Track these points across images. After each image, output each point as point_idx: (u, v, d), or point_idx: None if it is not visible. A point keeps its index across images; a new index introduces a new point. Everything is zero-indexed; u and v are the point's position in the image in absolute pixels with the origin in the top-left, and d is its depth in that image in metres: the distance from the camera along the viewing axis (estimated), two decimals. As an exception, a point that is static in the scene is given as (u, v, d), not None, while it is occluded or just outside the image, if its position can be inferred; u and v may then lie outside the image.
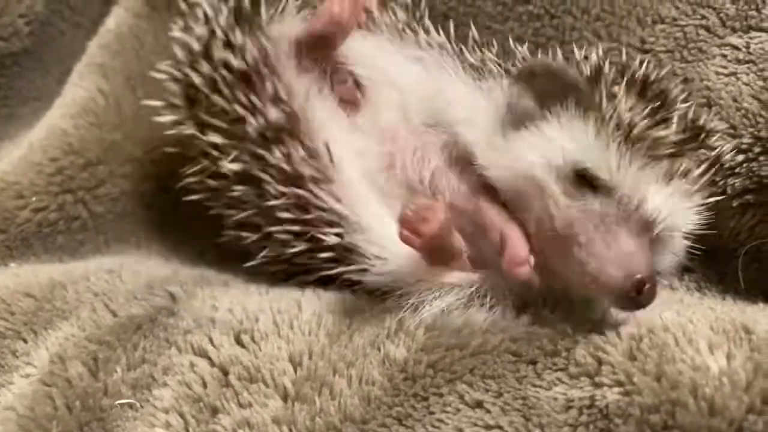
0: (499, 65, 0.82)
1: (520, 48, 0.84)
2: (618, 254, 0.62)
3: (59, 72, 1.19)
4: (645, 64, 0.75)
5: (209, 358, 0.65)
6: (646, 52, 0.89)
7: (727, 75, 0.83)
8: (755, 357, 0.56)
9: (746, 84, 0.81)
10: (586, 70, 0.72)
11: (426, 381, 0.59)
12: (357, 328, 0.66)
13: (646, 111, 0.67)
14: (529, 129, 0.72)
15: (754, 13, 0.84)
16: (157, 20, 1.12)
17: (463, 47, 0.85)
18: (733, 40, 0.85)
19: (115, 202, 0.96)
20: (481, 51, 0.85)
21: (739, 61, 0.83)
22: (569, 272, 0.64)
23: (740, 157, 0.78)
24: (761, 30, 0.83)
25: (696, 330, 0.60)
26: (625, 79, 0.70)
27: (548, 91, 0.71)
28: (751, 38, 0.83)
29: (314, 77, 0.81)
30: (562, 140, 0.69)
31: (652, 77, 0.72)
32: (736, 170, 0.78)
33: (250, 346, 0.65)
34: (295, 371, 0.62)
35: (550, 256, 0.67)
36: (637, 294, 0.59)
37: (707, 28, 0.87)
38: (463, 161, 0.77)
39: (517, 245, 0.67)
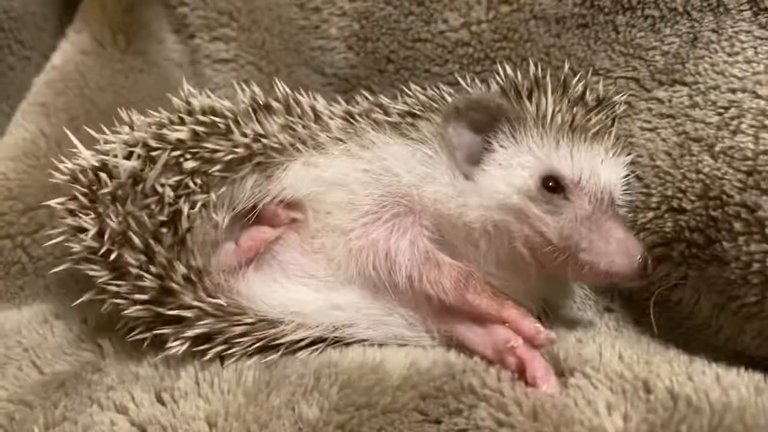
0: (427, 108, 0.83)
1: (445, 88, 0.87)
2: (618, 245, 0.70)
3: (8, 107, 1.19)
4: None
5: (129, 417, 0.66)
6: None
7: (650, 130, 0.87)
8: (650, 418, 0.59)
9: (663, 140, 0.84)
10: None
11: (333, 443, 0.60)
12: (275, 385, 0.67)
13: (576, 102, 0.77)
14: (484, 162, 0.76)
15: (679, 66, 0.87)
16: (103, 57, 1.14)
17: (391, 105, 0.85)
18: (660, 93, 0.88)
19: (55, 244, 0.97)
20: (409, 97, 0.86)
21: (661, 116, 0.87)
22: (580, 274, 0.72)
23: (650, 215, 0.80)
24: (684, 84, 0.86)
25: (596, 391, 0.62)
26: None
27: (480, 122, 0.76)
28: (674, 92, 0.87)
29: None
30: (518, 161, 0.74)
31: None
32: (647, 227, 0.81)
33: (170, 405, 0.66)
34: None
35: (556, 267, 0.73)
36: (644, 270, 0.68)
37: (637, 81, 0.91)
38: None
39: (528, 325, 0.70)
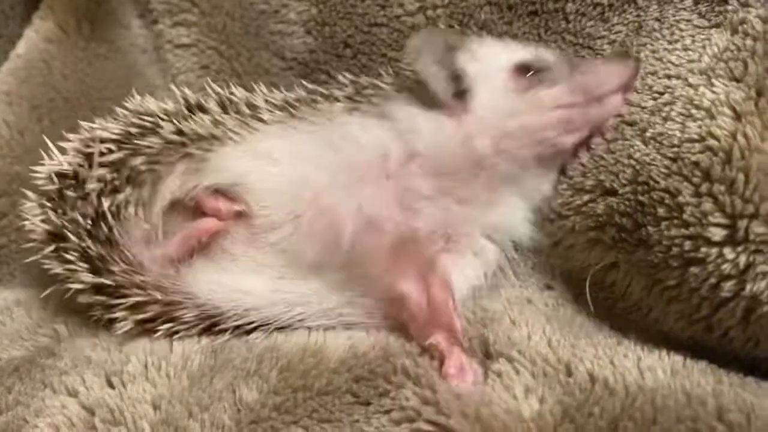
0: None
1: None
2: (611, 62, 0.84)
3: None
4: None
5: (79, 400, 0.69)
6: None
7: None
8: (565, 401, 0.62)
9: None
10: None
11: (268, 424, 0.64)
12: (219, 369, 0.71)
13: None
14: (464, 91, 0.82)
15: None
16: (68, 45, 1.15)
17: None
18: None
19: (19, 233, 0.99)
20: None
21: None
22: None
23: (585, 197, 0.83)
24: None
25: (517, 376, 0.65)
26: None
27: (443, 55, 0.83)
28: None
29: None
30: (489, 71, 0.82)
31: None
32: (582, 209, 0.83)
33: (118, 388, 0.69)
34: (155, 414, 0.67)
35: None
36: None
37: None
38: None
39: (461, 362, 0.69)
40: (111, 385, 0.70)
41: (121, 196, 0.77)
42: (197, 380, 0.70)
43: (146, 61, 1.20)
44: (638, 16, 0.90)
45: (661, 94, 0.82)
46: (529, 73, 0.83)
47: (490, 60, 0.84)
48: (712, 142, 0.71)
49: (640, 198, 0.76)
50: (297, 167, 0.80)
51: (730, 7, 0.81)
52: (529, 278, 0.89)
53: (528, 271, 0.90)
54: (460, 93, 0.83)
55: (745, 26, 0.78)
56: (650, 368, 0.66)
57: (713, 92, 0.75)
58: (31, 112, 1.06)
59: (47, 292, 0.79)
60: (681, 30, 0.85)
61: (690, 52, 0.82)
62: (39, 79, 1.10)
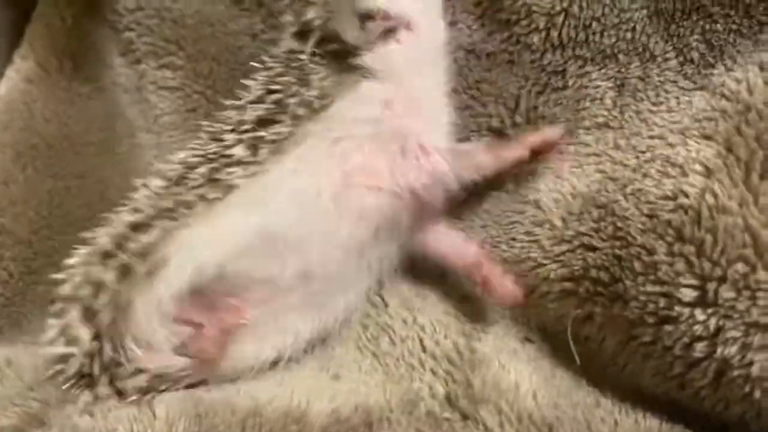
0: None
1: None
2: None
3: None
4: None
5: (67, 470, 0.70)
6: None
7: (576, 167, 0.91)
8: None
9: (586, 175, 0.89)
10: None
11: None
12: (204, 436, 0.72)
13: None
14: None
15: (605, 112, 0.92)
16: (49, 85, 1.13)
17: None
18: (586, 138, 0.92)
19: (5, 285, 1.00)
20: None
21: (587, 155, 0.91)
22: None
23: (564, 247, 0.84)
24: (609, 128, 0.91)
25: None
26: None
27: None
28: (601, 134, 0.91)
29: None
30: None
31: None
32: (559, 258, 0.85)
33: (106, 458, 0.71)
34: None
35: None
36: None
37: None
38: None
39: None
40: (98, 455, 0.71)
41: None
42: (181, 450, 0.71)
43: (128, 101, 1.19)
44: (619, 71, 0.90)
45: (643, 152, 0.83)
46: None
47: None
48: (683, 200, 0.73)
49: (618, 252, 0.77)
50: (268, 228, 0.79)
51: (716, 71, 0.82)
52: (509, 330, 0.90)
53: (507, 322, 0.91)
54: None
55: (722, 88, 0.79)
56: (626, 434, 0.68)
57: (687, 150, 0.77)
58: (16, 161, 1.05)
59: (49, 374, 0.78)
60: (666, 92, 0.86)
61: (674, 114, 0.84)
62: (20, 124, 1.09)
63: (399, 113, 0.83)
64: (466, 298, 0.94)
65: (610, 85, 0.91)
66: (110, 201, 1.06)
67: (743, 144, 0.72)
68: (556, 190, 0.90)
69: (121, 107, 1.18)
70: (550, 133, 0.90)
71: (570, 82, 0.93)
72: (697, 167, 0.74)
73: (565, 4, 0.90)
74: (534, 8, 0.91)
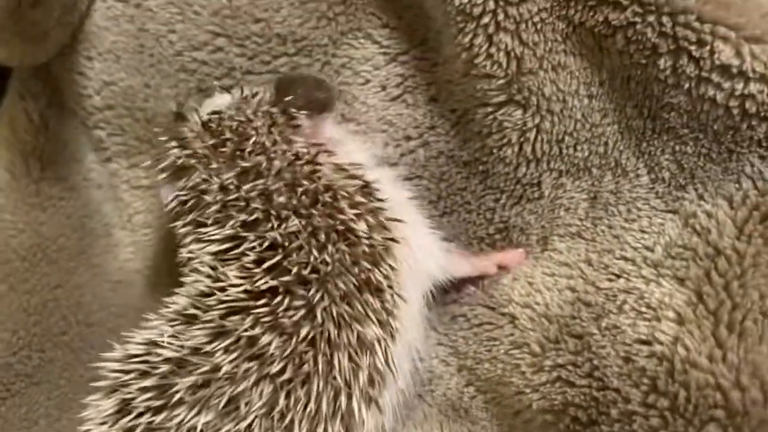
0: None
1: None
2: None
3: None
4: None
5: None
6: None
7: (549, 275, 0.91)
8: None
9: (559, 291, 0.89)
10: None
11: None
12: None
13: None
14: None
15: (577, 221, 0.93)
16: (17, 191, 1.11)
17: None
18: (559, 245, 0.93)
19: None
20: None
21: (560, 264, 0.91)
22: None
23: (543, 377, 0.84)
24: (582, 238, 0.91)
25: None
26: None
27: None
28: (573, 244, 0.92)
29: None
30: None
31: None
32: (539, 389, 0.85)
33: None
34: None
35: None
36: None
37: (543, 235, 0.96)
38: None
39: None
40: None
41: None
42: None
43: (101, 198, 1.17)
44: (593, 184, 0.90)
45: (618, 277, 0.83)
46: None
47: None
48: (657, 347, 0.74)
49: (595, 394, 0.78)
50: None
51: (687, 196, 0.82)
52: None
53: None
54: None
55: (693, 221, 0.80)
56: None
57: (661, 291, 0.77)
58: (-9, 284, 1.03)
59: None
60: (638, 209, 0.86)
61: (646, 236, 0.84)
62: (-12, 240, 1.06)
63: None
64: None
65: (583, 196, 0.91)
66: (87, 307, 1.09)
67: (713, 293, 0.73)
68: (529, 305, 0.90)
69: (94, 204, 1.17)
70: (516, 255, 0.93)
71: (546, 192, 0.93)
72: (670, 314, 0.74)
73: (537, 120, 0.90)
74: (505, 123, 0.91)
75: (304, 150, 0.82)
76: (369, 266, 0.77)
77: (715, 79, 0.77)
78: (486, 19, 0.85)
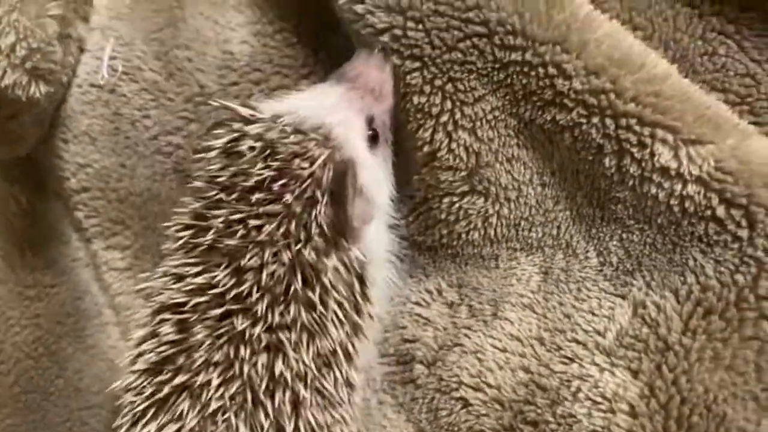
0: None
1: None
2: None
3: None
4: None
5: None
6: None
7: (500, 350, 0.94)
8: None
9: (512, 370, 0.92)
10: None
11: None
12: None
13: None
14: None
15: (530, 294, 0.96)
16: (16, 284, 1.15)
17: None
18: (509, 314, 0.95)
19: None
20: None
21: (511, 337, 0.94)
22: None
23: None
24: (533, 312, 0.95)
25: None
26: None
27: None
28: (524, 316, 0.95)
29: None
30: None
31: None
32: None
33: None
34: None
35: None
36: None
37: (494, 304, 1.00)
38: None
39: None
40: None
41: None
42: None
43: (90, 277, 1.19)
44: (545, 261, 0.94)
45: (571, 361, 0.88)
46: None
47: None
48: (612, 441, 0.80)
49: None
50: None
51: (635, 282, 0.86)
52: None
53: None
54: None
55: (643, 311, 0.84)
56: None
57: (615, 382, 0.83)
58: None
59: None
60: (588, 289, 0.90)
61: (596, 319, 0.88)
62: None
63: None
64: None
65: (536, 270, 0.95)
66: (86, 391, 1.14)
67: (664, 387, 0.79)
68: (480, 388, 0.92)
69: (83, 285, 1.19)
70: None
71: (501, 264, 0.98)
72: (624, 407, 0.80)
73: (496, 207, 0.94)
74: (470, 211, 0.95)
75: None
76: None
77: (656, 179, 0.82)
78: (444, 118, 0.90)
